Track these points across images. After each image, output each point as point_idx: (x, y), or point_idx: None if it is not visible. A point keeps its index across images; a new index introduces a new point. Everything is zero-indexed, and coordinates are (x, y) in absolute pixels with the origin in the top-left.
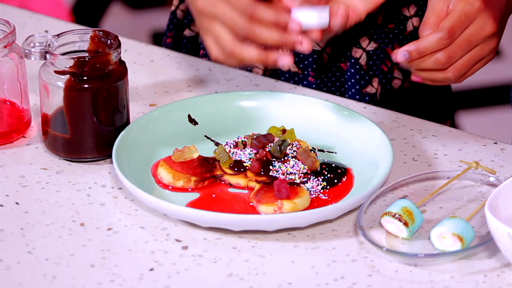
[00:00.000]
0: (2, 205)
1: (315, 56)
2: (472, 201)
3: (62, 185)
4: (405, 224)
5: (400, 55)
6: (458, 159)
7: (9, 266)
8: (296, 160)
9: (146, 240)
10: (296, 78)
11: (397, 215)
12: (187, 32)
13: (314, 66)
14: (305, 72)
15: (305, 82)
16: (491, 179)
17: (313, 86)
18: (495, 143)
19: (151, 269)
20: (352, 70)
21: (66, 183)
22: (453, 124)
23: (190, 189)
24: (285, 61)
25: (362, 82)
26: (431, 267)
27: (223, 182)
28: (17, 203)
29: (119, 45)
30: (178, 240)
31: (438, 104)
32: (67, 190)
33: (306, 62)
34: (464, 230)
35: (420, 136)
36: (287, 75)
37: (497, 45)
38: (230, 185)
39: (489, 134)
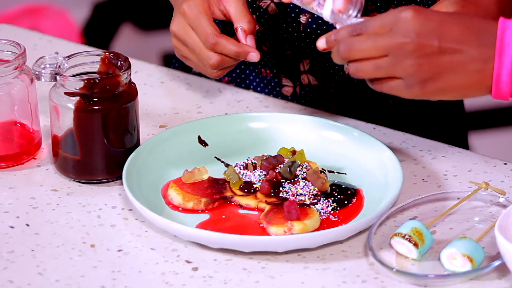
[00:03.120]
0: (12, 227)
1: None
2: (482, 222)
3: (73, 207)
4: (415, 245)
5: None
6: (468, 180)
7: None
8: (306, 181)
9: (156, 261)
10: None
11: (407, 236)
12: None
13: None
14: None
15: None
16: (501, 199)
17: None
18: (505, 163)
19: None
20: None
21: (77, 204)
22: (466, 145)
23: (200, 211)
24: None
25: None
26: None
27: (233, 203)
28: (27, 225)
29: (129, 67)
30: (188, 261)
31: (450, 124)
32: (78, 212)
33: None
34: (474, 251)
35: (429, 157)
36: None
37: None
38: (240, 206)
39: (499, 155)
